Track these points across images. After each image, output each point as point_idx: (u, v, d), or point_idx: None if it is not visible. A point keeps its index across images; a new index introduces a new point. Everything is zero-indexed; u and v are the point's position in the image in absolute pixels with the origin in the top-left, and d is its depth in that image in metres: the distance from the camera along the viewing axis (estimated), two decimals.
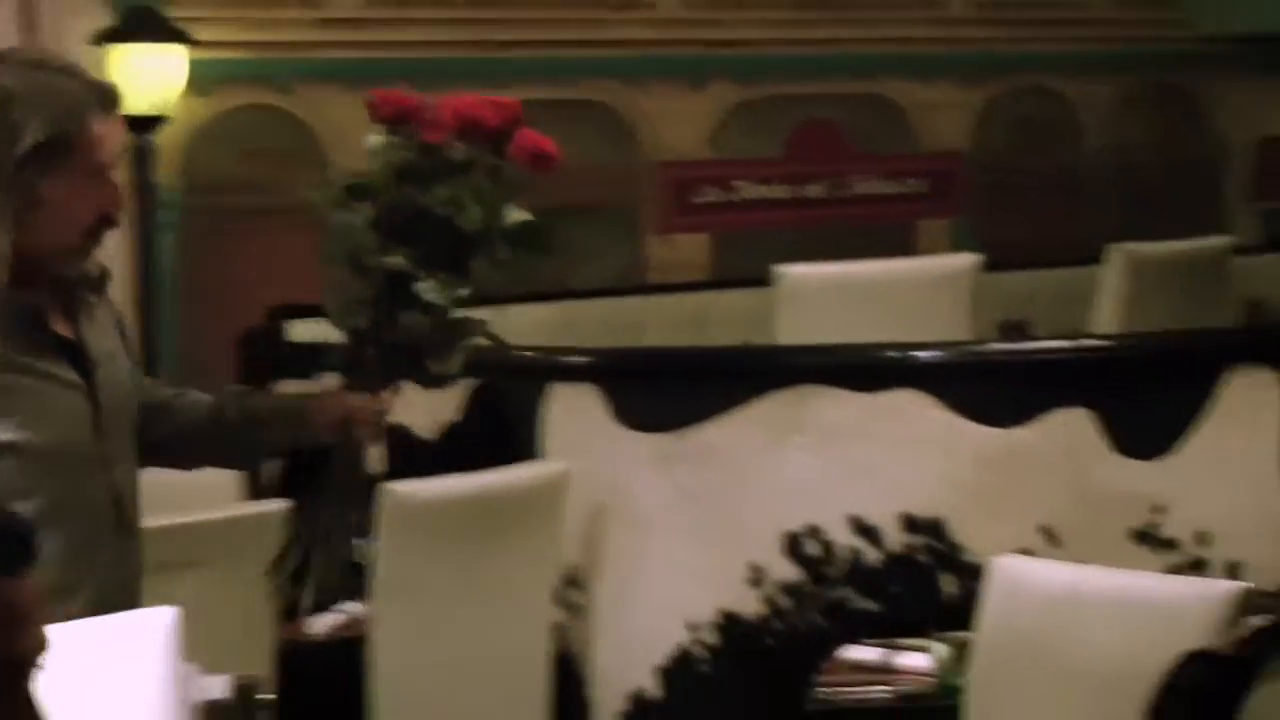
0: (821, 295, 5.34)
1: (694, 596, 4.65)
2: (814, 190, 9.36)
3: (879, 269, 5.43)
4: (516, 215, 2.88)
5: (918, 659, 4.10)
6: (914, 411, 4.58)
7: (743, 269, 8.75)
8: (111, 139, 2.87)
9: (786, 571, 4.59)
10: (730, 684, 4.67)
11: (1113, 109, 10.12)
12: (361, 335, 2.93)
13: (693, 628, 4.66)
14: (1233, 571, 4.46)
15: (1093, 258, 8.14)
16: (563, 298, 7.98)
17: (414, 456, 4.89)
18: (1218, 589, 2.81)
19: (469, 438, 5.03)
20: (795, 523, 4.60)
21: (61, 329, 2.91)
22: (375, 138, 2.90)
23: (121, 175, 2.97)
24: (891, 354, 4.68)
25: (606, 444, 4.78)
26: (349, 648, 4.44)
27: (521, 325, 7.26)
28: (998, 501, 4.51)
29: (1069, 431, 4.50)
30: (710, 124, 9.12)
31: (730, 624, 4.63)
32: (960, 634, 4.02)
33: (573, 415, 4.84)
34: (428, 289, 2.84)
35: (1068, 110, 10.02)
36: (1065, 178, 9.98)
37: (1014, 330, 6.82)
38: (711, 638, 4.66)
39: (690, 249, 9.10)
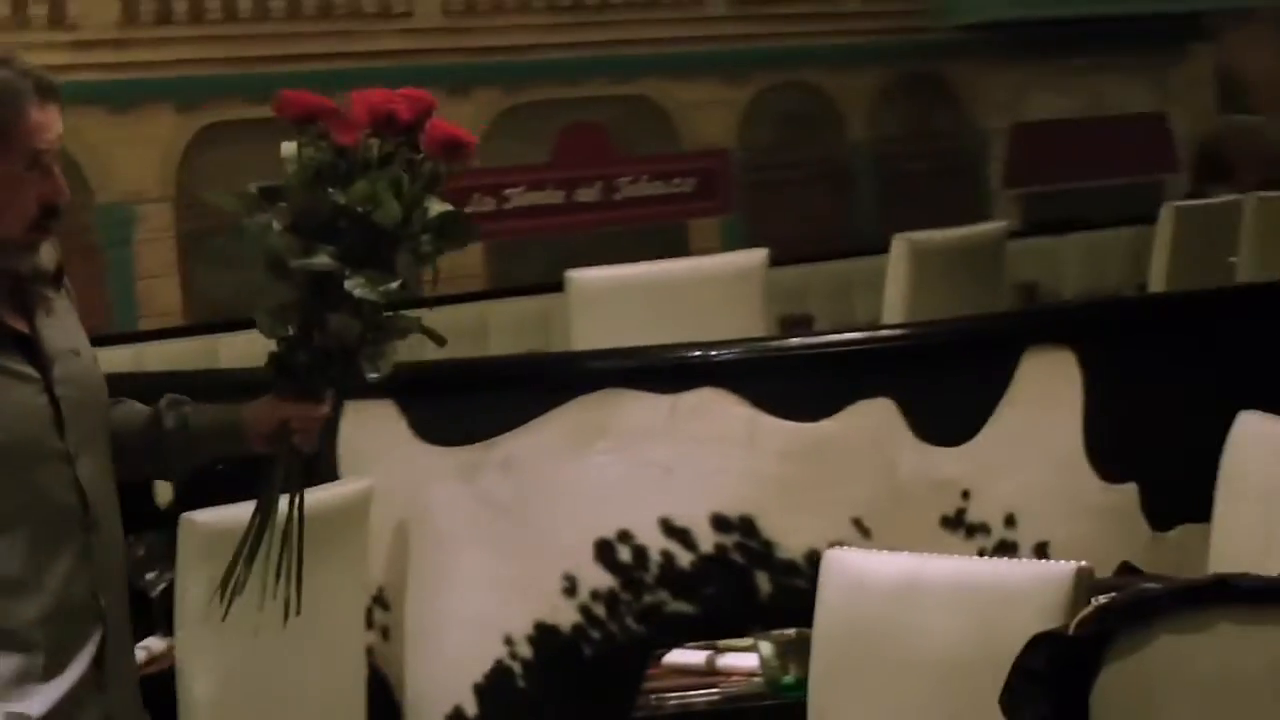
0: (613, 298, 5.31)
1: (508, 610, 4.58)
2: (585, 194, 9.35)
3: (670, 269, 5.41)
4: (437, 207, 2.81)
5: (743, 659, 4.08)
6: (718, 410, 4.57)
7: (518, 277, 8.71)
8: (50, 128, 2.81)
9: (600, 579, 4.55)
10: (549, 696, 4.61)
11: (872, 101, 10.24)
12: (291, 342, 2.85)
13: (508, 642, 4.60)
14: (1040, 551, 4.51)
15: (863, 249, 8.24)
16: None
17: (211, 482, 4.76)
18: (1057, 571, 2.82)
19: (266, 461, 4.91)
20: (606, 529, 4.56)
21: (15, 323, 2.85)
22: (287, 142, 2.81)
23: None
24: (692, 354, 4.66)
25: (407, 460, 4.69)
26: (156, 682, 4.30)
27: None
28: (807, 496, 4.51)
29: (873, 422, 4.52)
30: (476, 132, 9.04)
31: (546, 636, 4.58)
32: (783, 631, 4.01)
33: (370, 432, 4.74)
34: (357, 285, 2.74)
35: (829, 104, 10.12)
36: (830, 171, 10.08)
37: (797, 325, 6.85)
38: (527, 651, 4.59)
39: (464, 258, 9.00)
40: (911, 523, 4.46)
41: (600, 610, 4.56)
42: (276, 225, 2.79)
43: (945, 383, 4.56)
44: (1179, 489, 4.53)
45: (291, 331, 2.84)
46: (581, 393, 4.64)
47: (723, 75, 9.74)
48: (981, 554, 4.48)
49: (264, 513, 2.92)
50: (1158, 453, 4.63)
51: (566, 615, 4.57)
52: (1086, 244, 8.66)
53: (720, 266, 5.53)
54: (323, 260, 2.76)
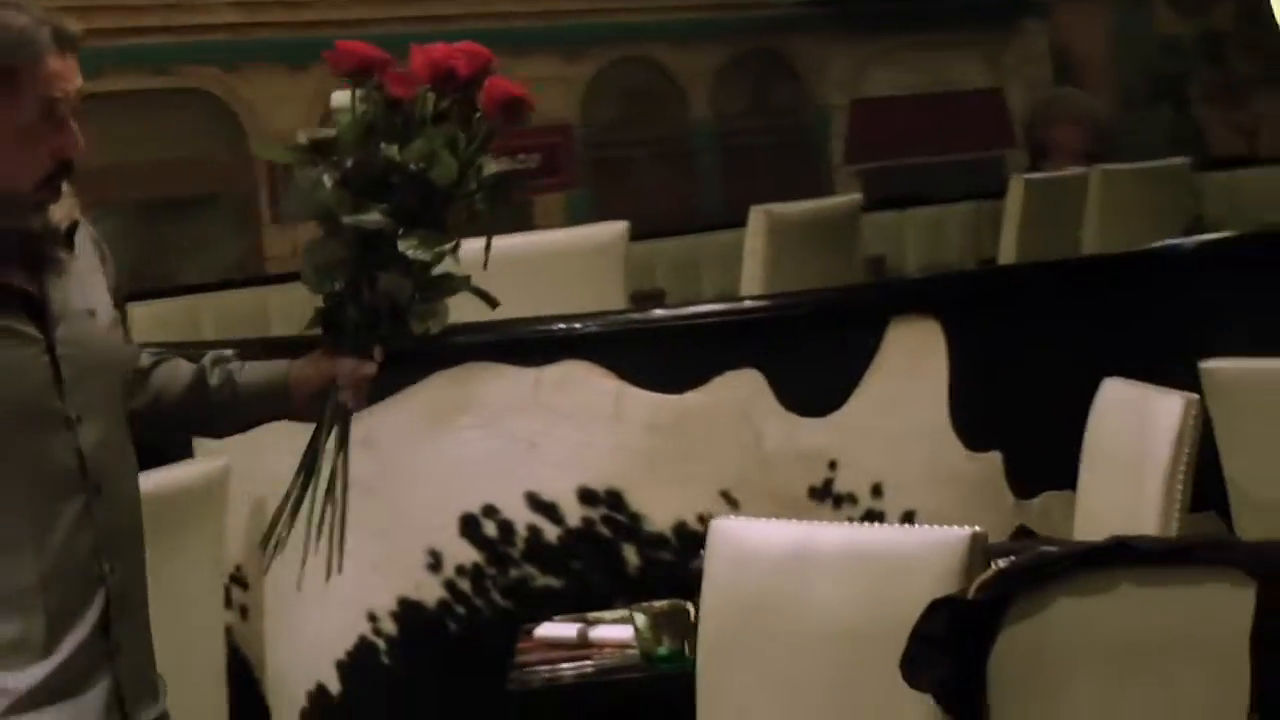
0: (471, 272, 5.24)
1: (372, 587, 4.51)
2: None
3: (530, 242, 5.35)
4: (492, 166, 2.75)
5: (615, 631, 4.03)
6: (583, 383, 4.53)
7: None
8: (68, 78, 2.70)
9: (465, 554, 4.49)
10: (414, 673, 4.55)
11: (714, 77, 10.24)
12: (339, 298, 2.78)
13: (372, 618, 4.53)
14: (907, 520, 4.52)
15: (706, 224, 8.24)
16: (181, 293, 7.75)
17: None
18: (951, 537, 2.81)
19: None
20: (471, 504, 4.50)
21: (23, 283, 2.75)
22: (339, 93, 2.74)
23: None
24: (556, 327, 4.62)
25: (265, 437, 4.60)
26: None
27: (143, 323, 7.01)
28: (674, 468, 4.49)
29: (740, 393, 4.50)
30: (318, 107, 8.92)
31: (410, 612, 4.52)
32: (656, 603, 3.98)
33: None
34: (410, 245, 2.68)
35: (670, 80, 10.10)
36: (673, 147, 10.07)
37: (648, 300, 6.83)
38: (391, 627, 4.53)
39: (306, 237, 8.93)
40: (779, 494, 4.45)
41: (466, 586, 4.50)
42: (327, 180, 2.72)
43: (811, 354, 4.55)
44: (1042, 457, 4.56)
45: (340, 287, 2.78)
46: (442, 368, 4.58)
47: (563, 51, 9.69)
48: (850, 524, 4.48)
49: (308, 470, 2.88)
50: (1021, 421, 4.66)
51: (431, 591, 4.51)
52: (928, 218, 8.73)
53: (580, 240, 5.49)
54: (375, 218, 2.70)
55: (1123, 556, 2.51)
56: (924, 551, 2.80)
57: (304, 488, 2.88)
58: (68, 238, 2.83)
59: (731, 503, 4.44)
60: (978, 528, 2.83)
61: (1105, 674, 2.54)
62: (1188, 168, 7.79)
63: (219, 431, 3.14)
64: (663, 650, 3.84)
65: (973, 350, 4.61)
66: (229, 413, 3.02)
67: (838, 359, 4.56)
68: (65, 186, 2.82)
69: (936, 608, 2.60)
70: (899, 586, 2.77)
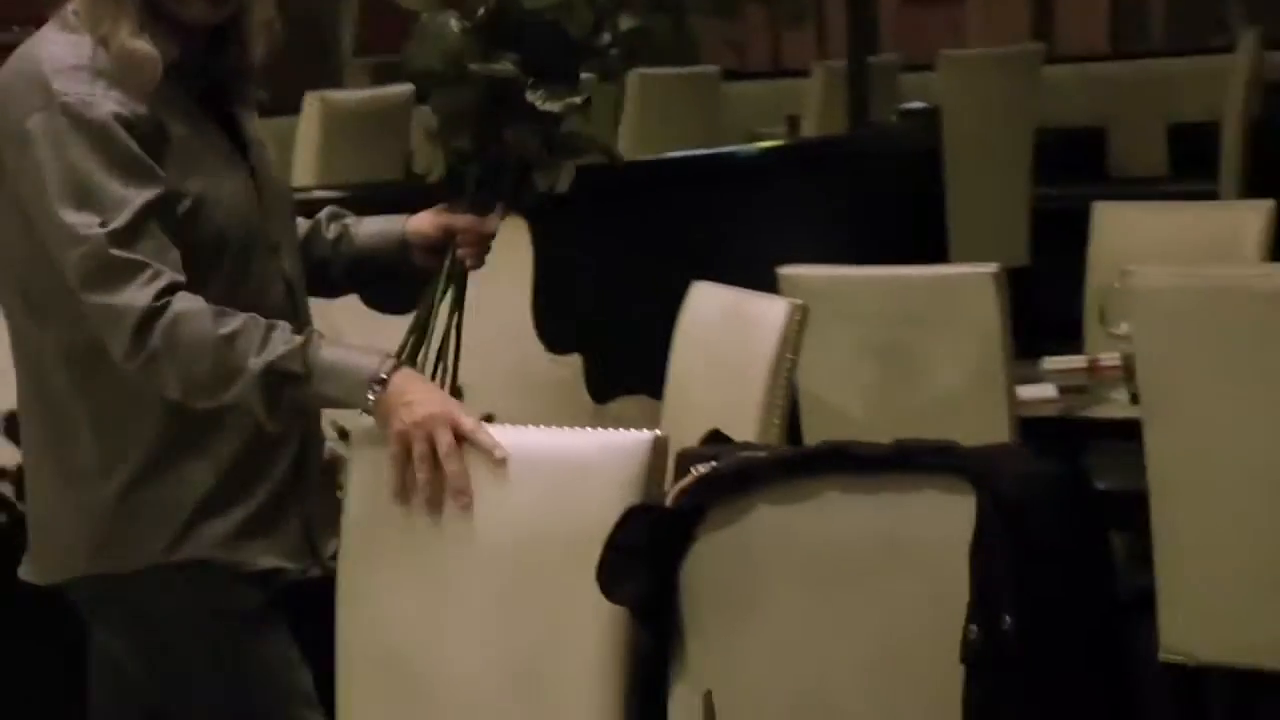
0: None
1: None
2: None
3: None
4: (628, 21, 2.60)
5: None
6: None
7: None
8: None
9: None
10: None
11: None
12: (464, 153, 2.63)
13: None
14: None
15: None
16: None
17: None
18: (631, 440, 2.66)
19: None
20: None
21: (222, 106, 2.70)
22: None
23: None
24: None
25: None
26: None
27: None
28: None
29: None
30: None
31: None
32: None
33: None
34: (539, 97, 2.51)
35: None
36: None
37: None
38: None
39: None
40: None
41: None
42: (456, 25, 2.57)
43: None
44: (621, 361, 4.50)
45: (466, 142, 2.63)
46: None
47: None
48: None
49: (420, 329, 2.77)
50: (602, 325, 4.58)
51: None
52: None
53: None
54: (505, 67, 2.55)
55: (836, 462, 2.42)
56: (602, 456, 2.64)
57: (416, 346, 2.76)
58: (247, 68, 2.74)
59: None
60: (658, 431, 2.68)
61: (812, 583, 2.46)
62: (718, 76, 7.85)
63: (335, 286, 2.97)
64: None
65: (556, 252, 4.50)
66: (344, 267, 2.89)
67: None
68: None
69: (632, 515, 2.47)
70: (575, 492, 2.61)
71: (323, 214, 2.95)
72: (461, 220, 2.82)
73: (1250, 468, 3.90)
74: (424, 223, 2.87)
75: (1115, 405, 4.48)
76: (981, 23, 11.52)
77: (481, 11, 2.61)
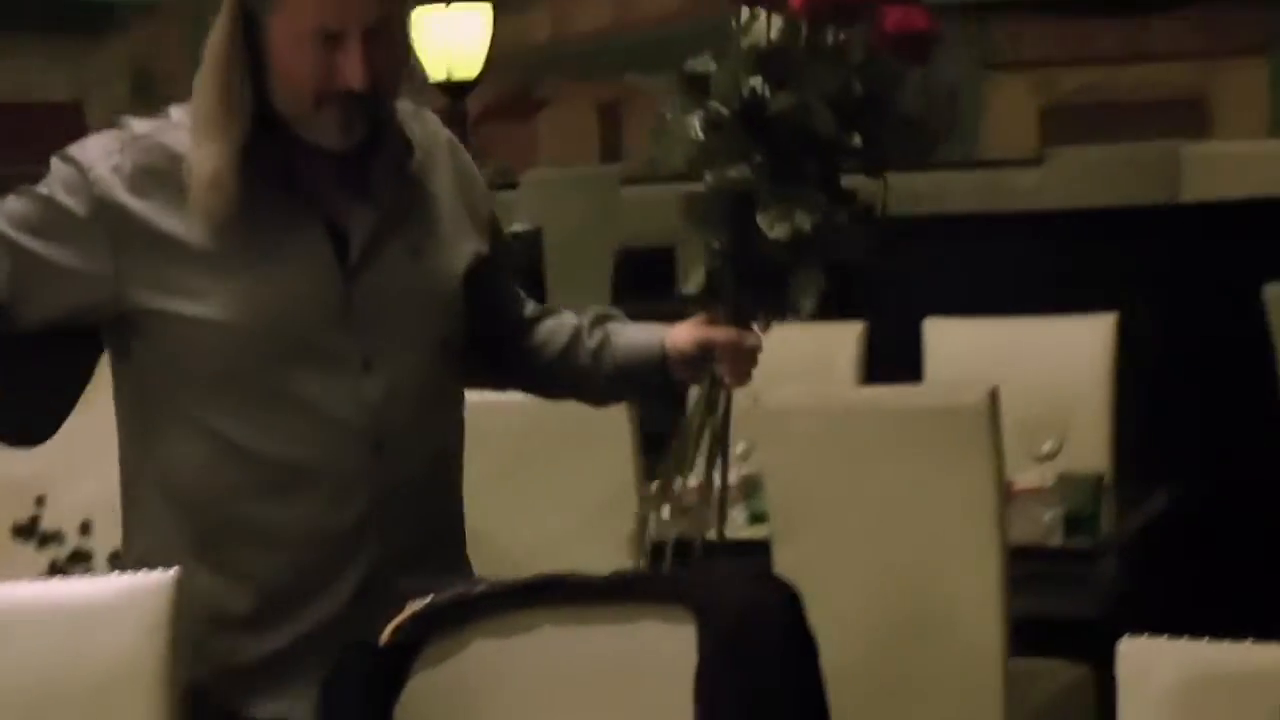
0: None
1: None
2: None
3: None
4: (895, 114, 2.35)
5: None
6: None
7: None
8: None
9: None
10: None
11: None
12: (717, 256, 2.40)
13: None
14: (115, 559, 4.25)
15: None
16: None
17: None
18: (151, 582, 2.50)
19: None
20: None
21: (330, 205, 2.48)
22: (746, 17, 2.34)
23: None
24: None
25: None
26: None
27: None
28: None
29: None
30: None
31: None
32: None
33: None
34: (770, 218, 2.31)
35: None
36: None
37: None
38: None
39: None
40: None
41: None
42: (697, 122, 2.37)
43: (20, 377, 4.21)
44: None
45: (717, 243, 2.40)
46: None
47: None
48: (54, 565, 4.18)
49: (679, 460, 2.56)
50: None
51: None
52: None
53: None
54: (742, 172, 2.35)
55: (554, 594, 2.43)
56: (122, 600, 2.45)
57: (675, 469, 2.57)
58: (401, 163, 2.52)
59: None
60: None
61: (523, 715, 2.46)
62: None
63: (598, 398, 2.77)
64: None
65: None
66: (605, 380, 2.68)
67: (48, 385, 4.24)
68: (411, 108, 2.58)
69: (347, 654, 2.44)
70: (92, 639, 2.43)
71: (587, 318, 2.74)
72: (721, 334, 2.59)
73: (873, 581, 4.05)
74: (682, 338, 2.63)
75: (732, 525, 4.56)
76: (554, 141, 11.70)
77: (726, 112, 2.41)
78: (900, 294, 5.68)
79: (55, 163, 2.57)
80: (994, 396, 3.89)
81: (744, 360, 2.62)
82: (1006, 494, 4.06)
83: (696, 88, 2.45)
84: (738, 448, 4.53)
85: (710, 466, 2.64)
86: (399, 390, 2.55)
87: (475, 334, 2.70)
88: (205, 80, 2.52)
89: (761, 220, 2.41)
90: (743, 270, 2.51)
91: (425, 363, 2.60)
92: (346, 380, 2.51)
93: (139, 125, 2.60)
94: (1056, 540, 4.38)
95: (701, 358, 2.62)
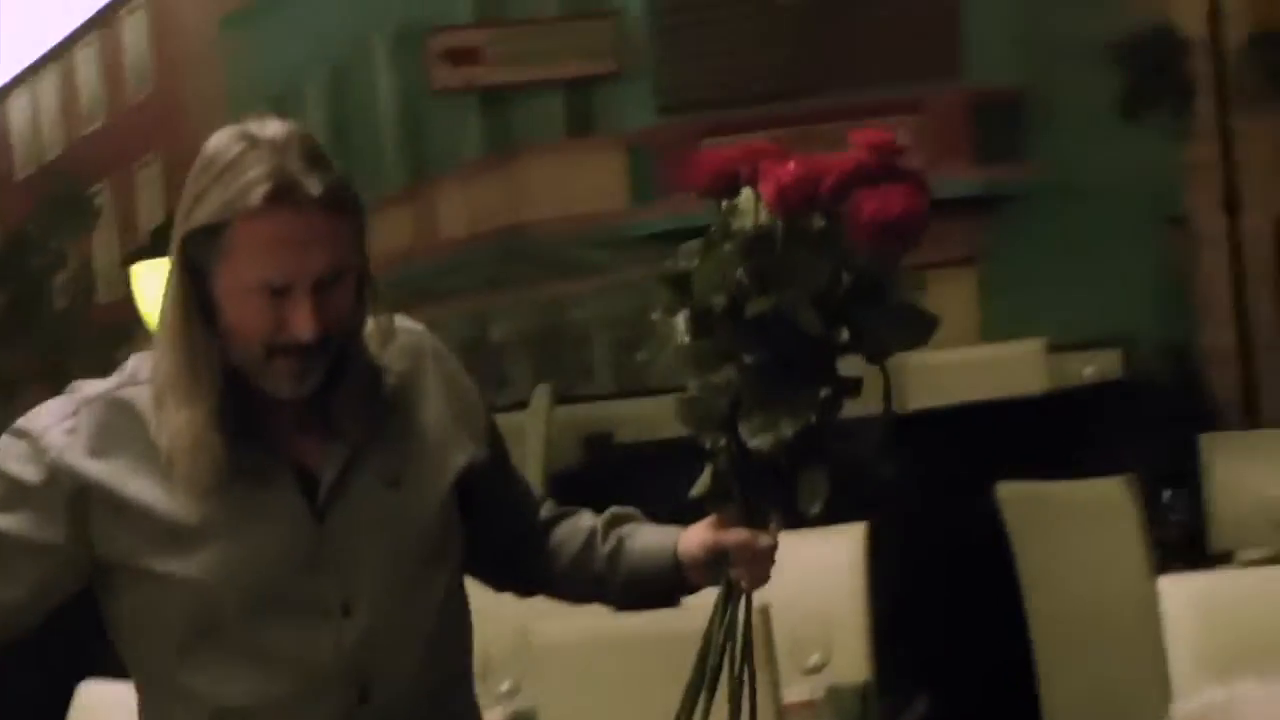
0: None
1: None
2: None
3: None
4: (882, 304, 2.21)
5: None
6: None
7: None
8: (274, 250, 2.22)
9: None
10: None
11: None
12: (721, 455, 2.29)
13: None
14: None
15: None
16: None
17: None
18: None
19: None
20: None
21: (294, 447, 2.39)
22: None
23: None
24: None
25: None
26: None
27: None
28: None
29: None
30: None
31: None
32: None
33: None
34: (751, 429, 2.21)
35: None
36: None
37: None
38: None
39: None
40: None
41: None
42: (682, 326, 2.26)
43: None
44: None
45: (718, 443, 2.29)
46: None
47: None
48: None
49: (701, 673, 2.41)
50: None
51: None
52: None
53: None
54: (728, 375, 2.25)
55: None
56: None
57: (699, 687, 2.41)
58: (370, 394, 2.39)
59: None
60: None
61: None
62: None
63: (615, 605, 2.61)
64: None
65: None
66: (619, 587, 2.54)
67: None
68: (403, 323, 2.48)
69: None
70: None
71: (601, 521, 2.61)
72: (732, 536, 2.46)
73: None
74: (694, 542, 2.51)
75: None
76: None
77: (708, 313, 2.32)
78: None
79: (5, 439, 2.46)
80: (765, 614, 3.89)
81: (759, 562, 2.50)
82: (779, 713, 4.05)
83: (679, 286, 2.37)
84: (503, 684, 4.49)
85: (734, 686, 2.51)
86: (383, 630, 2.43)
87: (490, 541, 2.63)
88: (167, 340, 2.41)
89: (743, 430, 2.32)
90: (748, 471, 2.40)
91: (412, 595, 2.48)
92: (324, 626, 2.39)
93: (92, 387, 2.48)
94: None
95: (715, 561, 2.52)
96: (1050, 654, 6.09)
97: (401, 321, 2.57)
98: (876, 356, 2.39)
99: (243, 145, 2.35)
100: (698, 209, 2.44)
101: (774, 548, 2.50)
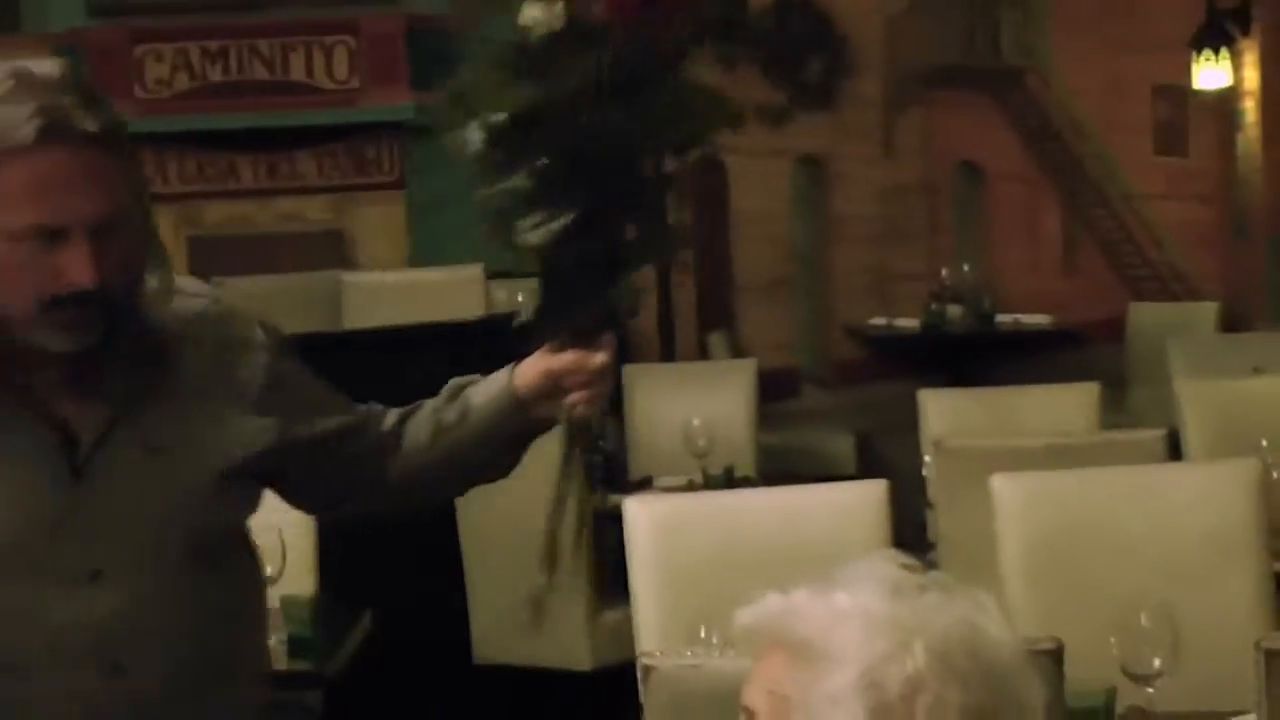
0: None
1: None
2: None
3: None
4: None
5: None
6: None
7: None
8: (46, 190, 2.04)
9: None
10: None
11: None
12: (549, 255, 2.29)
13: None
14: None
15: None
16: None
17: None
18: None
19: None
20: None
21: (57, 404, 2.21)
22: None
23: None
24: None
25: None
26: None
27: None
28: None
29: None
30: None
31: None
32: None
33: None
34: (527, 226, 2.22)
35: None
36: None
37: None
38: None
39: None
40: None
41: None
42: (476, 138, 2.27)
43: None
44: None
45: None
46: None
47: None
48: None
49: (557, 506, 2.39)
50: None
51: None
52: None
53: None
54: (519, 182, 2.28)
55: None
56: None
57: (554, 518, 2.38)
58: (155, 354, 2.23)
59: None
60: None
61: None
62: None
63: (492, 473, 2.48)
64: None
65: None
66: (480, 453, 2.41)
67: None
68: (187, 285, 2.35)
69: None
70: None
71: (442, 395, 2.49)
72: (564, 359, 2.42)
73: None
74: (528, 375, 2.44)
75: None
76: None
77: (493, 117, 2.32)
78: None
79: None
80: None
81: (594, 382, 2.48)
82: None
83: (460, 104, 2.38)
84: None
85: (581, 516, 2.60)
86: (136, 603, 2.26)
87: (337, 471, 2.53)
88: None
89: (521, 228, 2.32)
90: (567, 289, 2.40)
91: (173, 572, 2.31)
92: (72, 593, 2.22)
93: None
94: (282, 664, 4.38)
95: (553, 388, 2.48)
96: (477, 571, 6.25)
97: (186, 283, 2.45)
98: (681, 149, 2.47)
99: (12, 82, 2.19)
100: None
101: (608, 365, 2.49)
